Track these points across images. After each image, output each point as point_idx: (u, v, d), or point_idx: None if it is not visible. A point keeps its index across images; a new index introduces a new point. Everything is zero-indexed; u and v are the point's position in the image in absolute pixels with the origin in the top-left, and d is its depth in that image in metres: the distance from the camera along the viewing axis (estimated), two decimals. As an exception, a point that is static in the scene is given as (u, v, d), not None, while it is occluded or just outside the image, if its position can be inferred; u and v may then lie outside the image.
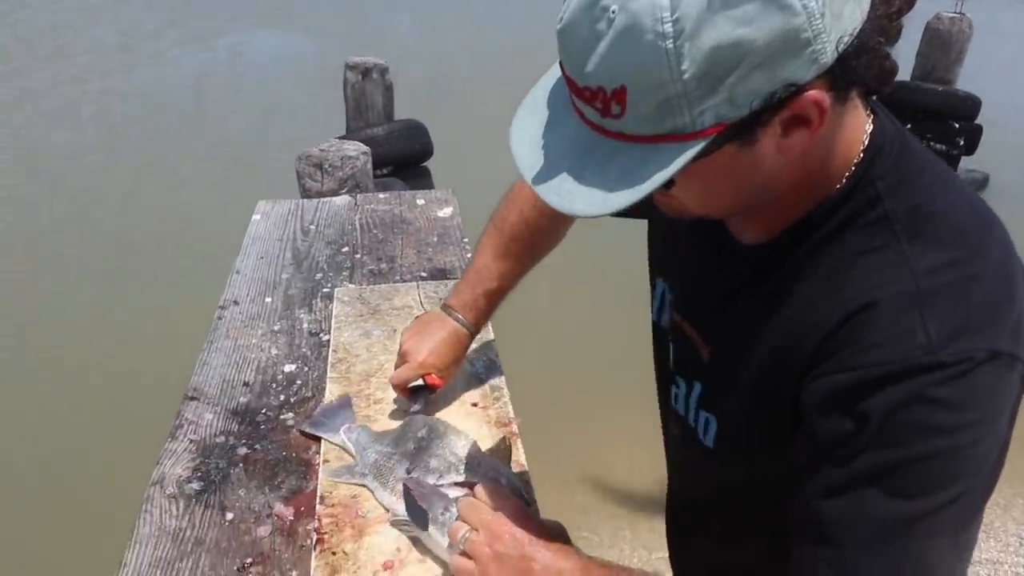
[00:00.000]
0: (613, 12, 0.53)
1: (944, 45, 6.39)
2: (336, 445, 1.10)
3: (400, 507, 0.94)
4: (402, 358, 1.14)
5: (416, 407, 1.14)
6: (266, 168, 5.65)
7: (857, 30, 0.54)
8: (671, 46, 0.51)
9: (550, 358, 3.62)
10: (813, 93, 0.54)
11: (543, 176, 0.60)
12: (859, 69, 0.56)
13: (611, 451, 3.34)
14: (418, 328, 1.17)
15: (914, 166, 0.65)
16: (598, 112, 0.57)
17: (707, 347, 0.77)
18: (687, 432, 0.81)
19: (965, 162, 6.62)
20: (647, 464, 2.92)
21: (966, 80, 6.62)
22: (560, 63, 0.60)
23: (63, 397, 3.50)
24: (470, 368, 1.27)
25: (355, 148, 3.02)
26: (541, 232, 1.13)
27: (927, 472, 0.57)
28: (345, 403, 1.18)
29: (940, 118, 6.35)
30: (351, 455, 1.08)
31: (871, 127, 0.64)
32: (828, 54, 0.53)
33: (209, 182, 5.88)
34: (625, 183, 0.57)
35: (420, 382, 1.14)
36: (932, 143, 6.44)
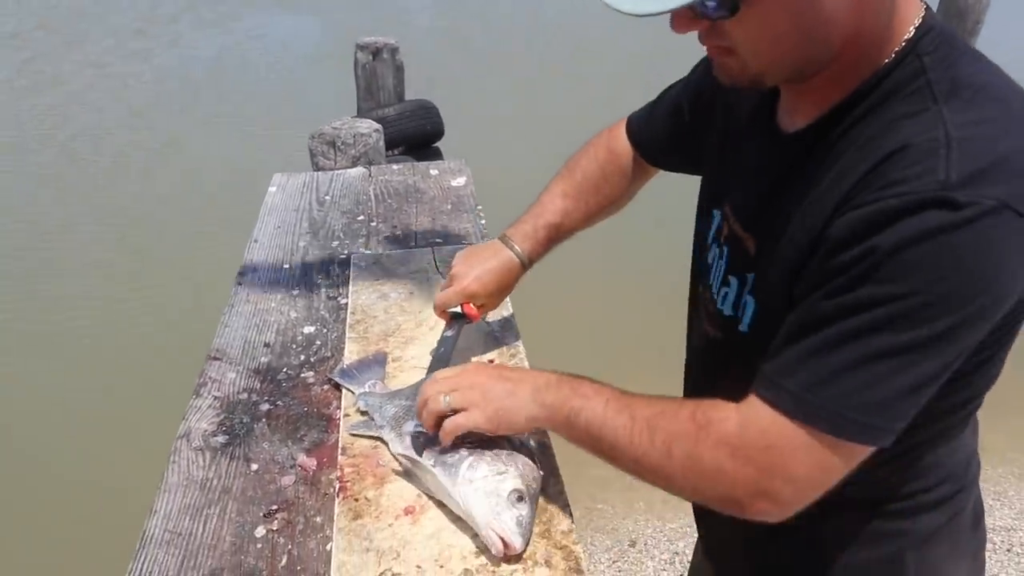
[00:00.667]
0: None
1: (960, 15, 6.29)
2: (353, 395, 1.12)
3: (413, 454, 0.96)
4: (449, 281, 1.16)
5: (449, 333, 1.15)
6: (279, 147, 5.69)
7: None
8: None
9: (568, 330, 3.63)
10: None
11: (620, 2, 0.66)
12: None
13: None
14: (470, 253, 1.18)
15: (959, 47, 0.69)
16: None
17: (753, 240, 0.81)
18: (728, 328, 0.85)
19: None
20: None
21: (983, 50, 6.52)
22: None
23: (84, 365, 3.62)
24: (487, 328, 1.29)
25: (367, 126, 3.02)
26: (610, 177, 1.16)
27: (918, 310, 0.62)
28: (380, 359, 1.20)
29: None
30: (365, 413, 1.09)
31: (923, 15, 0.69)
32: None
33: (225, 159, 5.94)
34: None
35: (459, 309, 1.14)
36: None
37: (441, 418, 0.90)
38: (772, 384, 0.70)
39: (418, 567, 0.86)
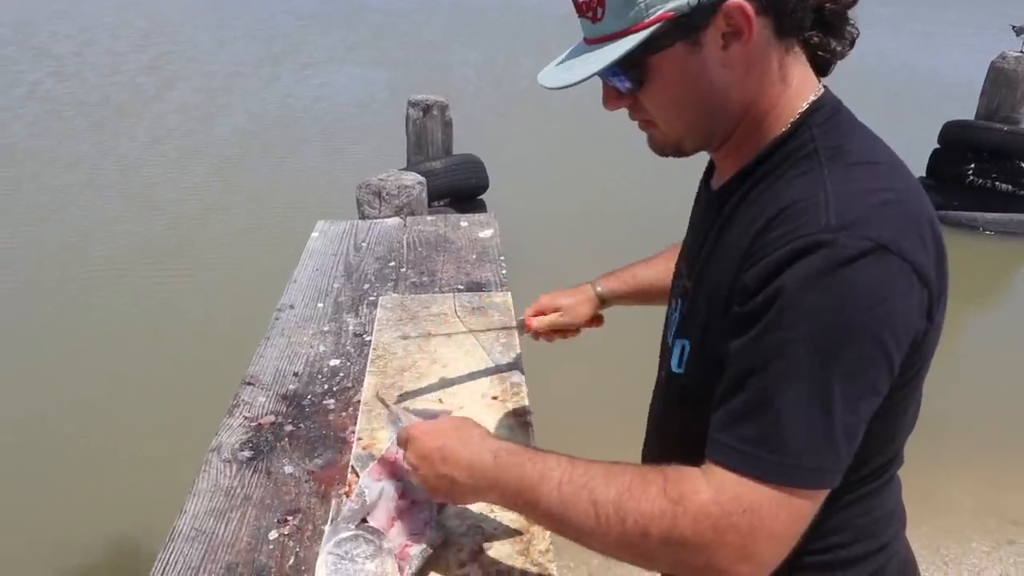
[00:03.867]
0: None
1: (1009, 84, 6.30)
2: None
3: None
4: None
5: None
6: (329, 196, 6.06)
7: None
8: None
9: (574, 371, 3.71)
10: (738, 1, 0.71)
11: (543, 76, 0.83)
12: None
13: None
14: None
15: (847, 122, 0.80)
16: (589, 21, 0.78)
17: (690, 284, 0.90)
18: (666, 367, 0.93)
19: (1032, 203, 6.44)
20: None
21: (1033, 120, 6.48)
22: None
23: (139, 387, 3.93)
24: (493, 365, 1.41)
25: (412, 178, 3.22)
26: None
27: (827, 346, 0.68)
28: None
29: (1006, 158, 6.24)
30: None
31: (820, 93, 0.80)
32: None
33: (280, 204, 6.33)
34: (591, 64, 0.77)
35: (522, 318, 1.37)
36: (997, 183, 6.32)
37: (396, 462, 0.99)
38: (725, 448, 0.73)
39: (407, 573, 0.97)
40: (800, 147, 0.78)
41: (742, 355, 0.73)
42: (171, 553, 1.00)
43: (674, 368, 0.90)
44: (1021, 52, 6.32)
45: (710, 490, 0.72)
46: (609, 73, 0.78)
